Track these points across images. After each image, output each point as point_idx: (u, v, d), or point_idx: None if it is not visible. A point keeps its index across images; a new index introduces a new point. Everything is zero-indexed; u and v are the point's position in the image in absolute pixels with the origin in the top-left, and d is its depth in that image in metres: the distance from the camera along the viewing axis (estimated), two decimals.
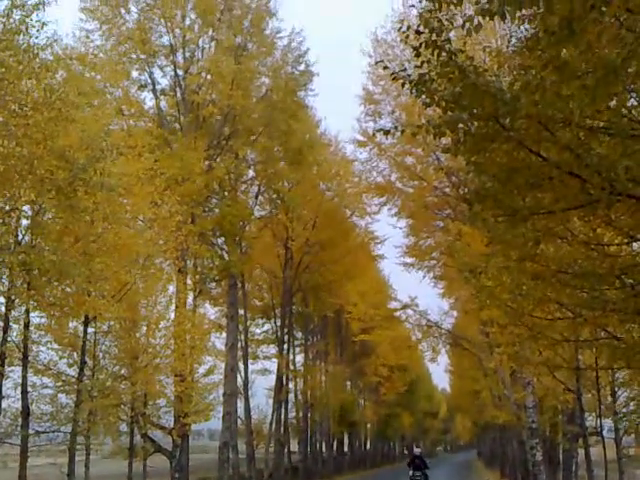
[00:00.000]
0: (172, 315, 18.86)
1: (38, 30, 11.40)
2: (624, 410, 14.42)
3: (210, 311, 30.52)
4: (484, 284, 11.44)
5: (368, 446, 56.45)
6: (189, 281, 22.00)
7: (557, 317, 11.67)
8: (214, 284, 29.88)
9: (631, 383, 13.87)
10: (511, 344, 12.67)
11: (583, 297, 9.77)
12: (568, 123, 5.77)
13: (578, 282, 9.30)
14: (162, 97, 24.81)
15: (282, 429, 30.61)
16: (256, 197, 30.38)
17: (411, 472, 26.99)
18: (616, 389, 14.25)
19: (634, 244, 9.37)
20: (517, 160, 6.51)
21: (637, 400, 13.98)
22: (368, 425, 52.94)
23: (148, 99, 24.47)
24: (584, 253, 9.17)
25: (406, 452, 76.14)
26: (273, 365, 34.21)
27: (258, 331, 38.92)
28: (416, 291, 58.09)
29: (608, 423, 15.47)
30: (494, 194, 7.27)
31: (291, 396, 34.46)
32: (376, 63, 21.40)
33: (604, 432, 15.68)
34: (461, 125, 6.35)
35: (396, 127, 7.33)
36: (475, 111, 6.18)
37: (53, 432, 14.49)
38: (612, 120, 5.96)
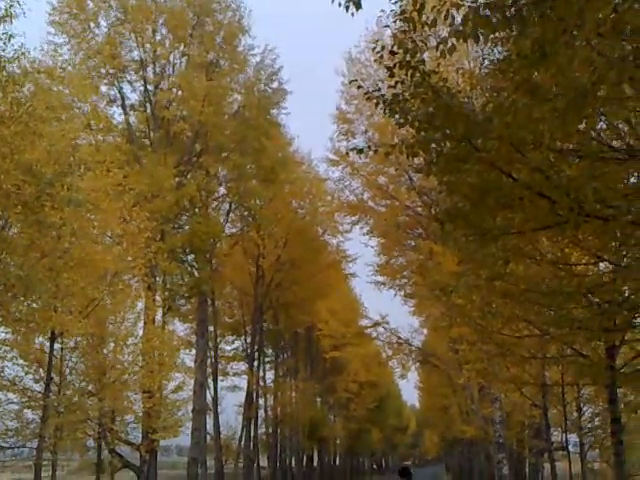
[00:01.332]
0: (140, 331, 18.68)
1: (5, 42, 11.25)
2: (589, 425, 14.62)
3: (179, 328, 30.21)
4: (454, 302, 11.57)
5: (338, 461, 56.23)
6: (158, 298, 21.79)
7: (525, 335, 11.84)
8: (184, 301, 29.59)
9: (596, 399, 14.10)
10: (480, 361, 12.79)
11: (551, 315, 9.93)
12: (539, 145, 5.85)
13: (546, 301, 9.45)
14: (132, 112, 24.63)
15: (251, 445, 30.35)
16: (227, 214, 30.26)
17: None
18: (581, 405, 14.44)
19: (600, 264, 9.54)
20: (488, 181, 6.58)
21: (602, 416, 14.19)
22: (338, 440, 52.77)
23: (117, 114, 24.23)
24: (552, 272, 9.33)
25: (375, 467, 76.29)
26: (243, 382, 34.00)
27: (228, 348, 38.67)
28: (387, 309, 58.20)
29: (573, 438, 15.65)
30: (465, 214, 7.35)
31: (261, 412, 34.25)
32: (350, 82, 21.52)
33: (569, 447, 15.88)
34: (434, 145, 6.42)
35: (369, 146, 7.38)
36: (448, 132, 6.25)
37: (18, 447, 14.22)
38: (582, 143, 6.08)
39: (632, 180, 6.87)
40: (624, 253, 8.17)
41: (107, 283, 15.58)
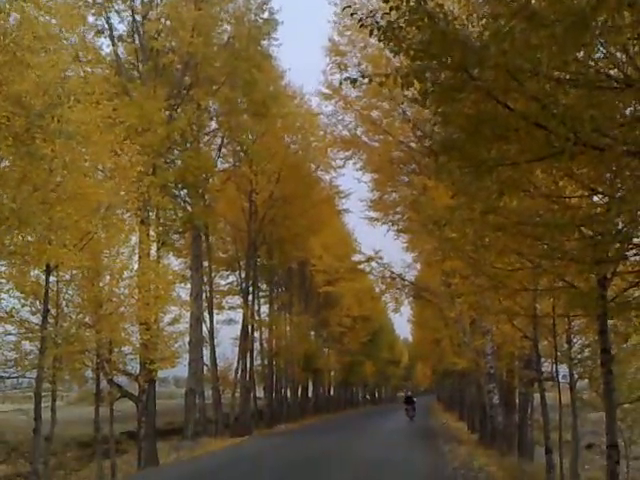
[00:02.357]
0: (135, 265, 18.82)
1: None
2: (579, 357, 14.87)
3: (174, 263, 30.46)
4: (447, 236, 11.60)
5: (332, 392, 57.66)
6: (152, 232, 21.83)
7: (517, 268, 11.93)
8: (177, 236, 29.74)
9: (586, 331, 14.31)
10: (472, 294, 12.94)
11: (543, 248, 9.97)
12: (536, 74, 5.78)
13: (539, 233, 9.47)
14: (120, 43, 24.09)
15: (248, 376, 31.08)
16: (219, 149, 30.03)
17: (405, 407, 41.80)
18: (572, 336, 14.65)
19: (594, 197, 9.53)
20: (484, 111, 6.51)
21: (591, 347, 14.45)
22: (332, 372, 53.96)
23: (105, 45, 23.71)
24: (546, 205, 9.31)
25: (368, 398, 78.46)
26: (238, 315, 34.48)
27: (223, 282, 39.09)
28: (380, 245, 58.60)
29: (563, 369, 15.97)
30: (460, 145, 7.30)
31: (256, 345, 34.96)
32: (343, 9, 21.02)
33: (559, 377, 16.20)
34: (429, 74, 6.31)
35: (363, 76, 7.25)
36: (444, 60, 6.14)
37: (18, 378, 14.49)
38: (579, 71, 5.99)
39: (628, 110, 6.80)
40: (618, 185, 8.16)
41: (100, 217, 15.56)
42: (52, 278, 14.70)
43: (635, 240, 8.85)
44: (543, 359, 20.80)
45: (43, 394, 14.66)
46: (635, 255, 9.57)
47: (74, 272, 15.76)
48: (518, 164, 7.15)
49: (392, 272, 29.81)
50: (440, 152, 7.73)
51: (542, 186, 9.18)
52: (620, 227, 9.02)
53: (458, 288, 15.04)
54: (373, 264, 30.56)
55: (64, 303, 15.90)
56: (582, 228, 9.43)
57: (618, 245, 9.18)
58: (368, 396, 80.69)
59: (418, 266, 40.09)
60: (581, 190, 9.29)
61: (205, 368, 28.79)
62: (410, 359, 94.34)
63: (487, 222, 9.46)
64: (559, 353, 14.37)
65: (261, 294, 39.46)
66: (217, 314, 34.63)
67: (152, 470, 18.21)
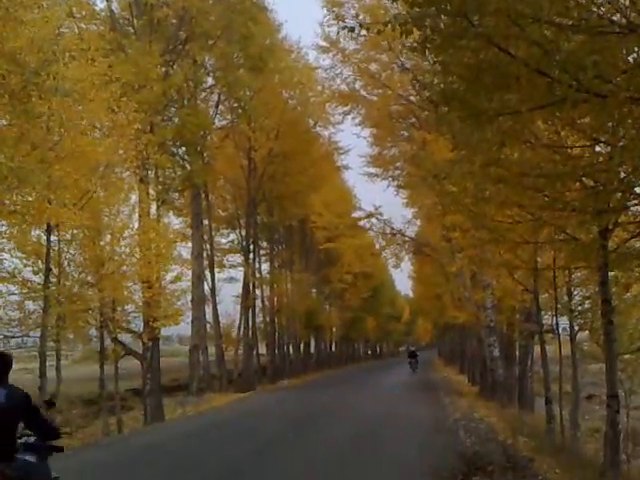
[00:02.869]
0: (136, 224, 18.83)
1: None
2: (579, 308, 14.92)
3: (174, 221, 30.43)
4: (448, 190, 11.53)
5: (334, 348, 58.29)
6: (151, 191, 21.75)
7: (518, 220, 11.91)
8: (177, 194, 29.63)
9: (587, 283, 14.32)
10: (473, 247, 12.96)
11: (544, 200, 9.91)
12: (537, 19, 5.66)
13: (540, 184, 9.40)
14: None
15: (250, 333, 31.37)
16: (216, 106, 29.68)
17: (408, 360, 46.38)
18: (572, 288, 14.67)
19: (596, 146, 9.43)
20: (485, 59, 6.40)
21: (592, 299, 14.50)
22: (333, 328, 54.45)
23: (99, 1, 23.20)
24: (547, 156, 9.21)
25: (370, 353, 79.50)
26: (239, 274, 34.64)
27: (224, 241, 39.16)
28: (380, 200, 58.47)
29: (563, 321, 16.06)
30: (461, 95, 7.19)
31: (258, 302, 35.16)
32: None
33: (559, 330, 16.29)
34: (428, 21, 6.19)
35: (361, 25, 7.12)
36: (443, 6, 6.01)
37: (22, 337, 14.61)
38: (581, 17, 5.87)
39: (631, 56, 6.69)
40: (621, 133, 8.08)
41: (99, 175, 15.51)
42: (53, 238, 14.72)
43: (637, 190, 8.79)
44: (543, 312, 20.97)
45: (47, 353, 14.86)
46: (636, 205, 9.51)
47: (75, 231, 15.77)
48: (520, 113, 7.03)
49: (392, 228, 29.90)
50: (440, 102, 7.63)
51: (543, 137, 9.08)
52: (622, 177, 8.98)
53: (459, 242, 15.05)
54: (373, 220, 30.64)
55: (66, 262, 15.95)
56: (583, 178, 9.38)
57: (620, 195, 9.13)
58: (370, 351, 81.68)
59: (418, 222, 40.09)
60: (583, 140, 9.19)
61: (208, 326, 29.07)
62: (411, 314, 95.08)
63: (488, 174, 9.39)
64: (559, 305, 14.43)
65: (262, 252, 39.53)
66: (218, 272, 34.85)
67: (159, 425, 18.49)
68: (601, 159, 9.06)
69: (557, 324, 14.21)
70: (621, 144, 8.20)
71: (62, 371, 15.85)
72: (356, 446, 12.32)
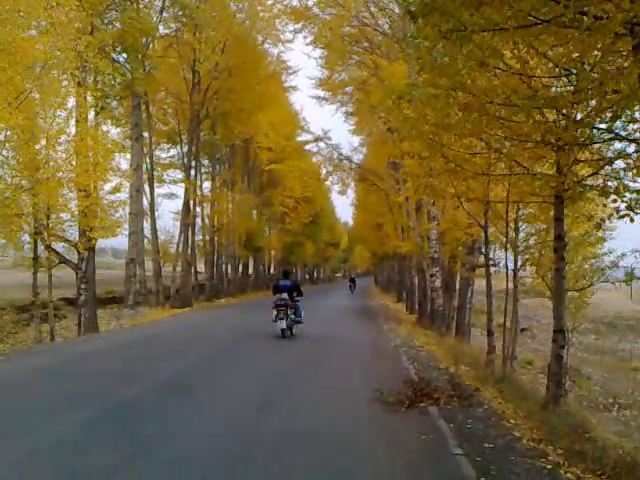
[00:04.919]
0: (73, 130, 17.87)
1: None
2: (524, 244, 15.08)
3: (113, 132, 29.04)
4: (407, 115, 11.21)
5: (272, 270, 58.41)
6: (89, 98, 20.55)
7: (475, 152, 11.76)
8: (116, 103, 28.17)
9: (533, 219, 14.41)
10: (428, 176, 12.73)
11: (506, 130, 9.73)
12: None
13: (504, 114, 9.19)
14: None
15: (189, 250, 30.84)
16: (160, 12, 27.97)
17: (348, 284, 55.54)
18: (519, 224, 14.76)
19: (564, 78, 9.21)
20: None
21: (538, 235, 14.67)
22: (272, 252, 54.44)
23: None
24: (514, 85, 8.96)
25: (308, 278, 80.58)
26: (179, 190, 33.84)
27: (164, 155, 38.13)
28: (328, 127, 58.08)
29: (503, 257, 16.27)
30: (442, 7, 6.79)
31: (198, 220, 34.51)
32: None
33: (507, 264, 16.47)
34: None
35: None
36: None
37: None
38: None
39: None
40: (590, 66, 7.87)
41: (36, 75, 14.41)
42: None
43: (599, 126, 8.65)
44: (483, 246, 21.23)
45: None
46: (597, 142, 9.39)
47: (8, 133, 14.76)
48: (505, 31, 6.70)
49: (340, 154, 29.48)
50: (418, 14, 7.20)
51: (512, 64, 8.79)
52: (585, 113, 8.84)
53: (412, 170, 14.79)
54: (321, 144, 30.18)
55: None
56: (546, 111, 9.25)
57: (579, 131, 9.00)
58: (307, 276, 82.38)
59: (364, 150, 39.99)
60: (551, 70, 8.98)
61: (146, 240, 28.41)
62: (349, 242, 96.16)
63: (453, 99, 9.10)
64: (505, 239, 14.53)
65: (203, 170, 38.57)
66: (158, 187, 33.92)
67: (94, 336, 18.11)
68: (570, 89, 8.87)
69: (506, 258, 14.21)
70: (592, 77, 7.98)
71: None
72: (298, 368, 12.26)
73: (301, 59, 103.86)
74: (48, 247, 18.21)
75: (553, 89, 9.25)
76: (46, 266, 18.31)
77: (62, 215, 18.05)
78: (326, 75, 32.71)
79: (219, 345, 15.33)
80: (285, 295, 16.76)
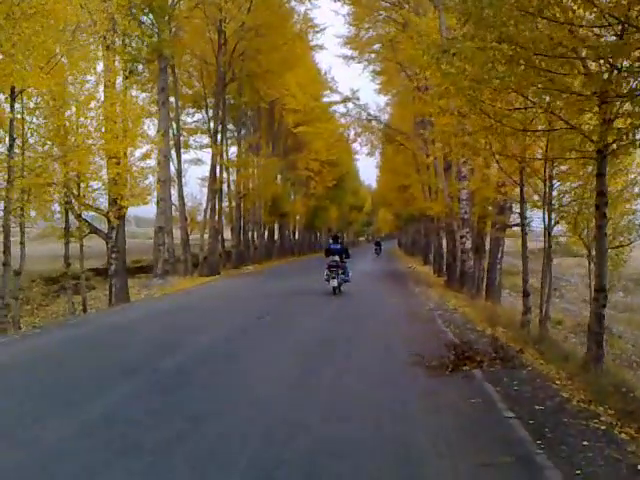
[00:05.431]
0: (102, 96, 17.72)
1: None
2: (558, 203, 14.75)
3: (140, 97, 28.89)
4: (447, 71, 10.93)
5: (297, 236, 58.44)
6: (117, 64, 20.37)
7: (516, 107, 11.46)
8: (142, 67, 27.97)
9: (568, 177, 14.12)
10: (467, 134, 12.45)
11: (548, 83, 9.45)
12: None
13: (551, 64, 8.93)
14: None
15: (217, 217, 30.79)
16: None
17: (374, 247, 58.62)
18: (553, 182, 14.42)
19: (611, 28, 8.89)
20: None
21: (574, 192, 14.36)
22: (297, 217, 54.35)
23: None
24: (561, 36, 8.68)
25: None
26: (205, 155, 33.90)
27: (189, 120, 37.79)
28: (355, 88, 57.46)
29: (538, 216, 15.96)
30: None
31: (224, 186, 34.34)
32: None
33: (533, 223, 16.23)
34: None
35: None
36: None
37: None
38: None
39: None
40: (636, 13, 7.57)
41: (67, 38, 14.19)
42: (17, 106, 13.66)
43: None
44: (514, 205, 20.87)
45: (12, 226, 14.22)
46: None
47: (39, 100, 14.69)
48: None
49: (369, 114, 29.04)
50: None
51: (559, 13, 8.51)
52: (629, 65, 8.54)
53: (449, 128, 14.47)
54: (349, 105, 29.68)
55: (29, 133, 14.95)
56: (588, 62, 9.00)
57: (625, 82, 8.71)
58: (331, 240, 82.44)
59: (389, 110, 39.44)
60: (601, 20, 8.66)
61: (173, 208, 28.40)
62: (373, 205, 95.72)
63: (499, 52, 8.83)
64: (537, 198, 14.24)
65: (228, 135, 38.33)
66: (184, 153, 33.77)
67: (126, 306, 18.17)
68: (615, 40, 8.56)
69: (544, 217, 13.80)
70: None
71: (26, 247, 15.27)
72: (336, 332, 12.21)
73: (329, 16, 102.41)
74: (79, 217, 18.17)
75: (601, 39, 8.97)
76: (77, 236, 18.24)
77: (92, 184, 17.96)
78: (353, 33, 32.12)
79: (261, 310, 14.88)
80: (336, 257, 18.95)
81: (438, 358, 8.93)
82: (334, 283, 18.51)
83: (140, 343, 10.72)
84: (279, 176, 45.57)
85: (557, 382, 8.13)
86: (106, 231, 20.17)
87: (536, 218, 16.37)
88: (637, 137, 9.42)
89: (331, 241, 20.83)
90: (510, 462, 5.23)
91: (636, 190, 14.75)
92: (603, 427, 6.21)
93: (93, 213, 19.83)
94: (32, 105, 14.73)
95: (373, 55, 33.00)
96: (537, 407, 6.86)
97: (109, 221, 19.69)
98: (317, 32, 37.46)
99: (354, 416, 6.51)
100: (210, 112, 33.47)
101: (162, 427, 6.03)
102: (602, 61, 8.90)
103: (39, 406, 6.80)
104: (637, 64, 8.42)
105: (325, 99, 39.28)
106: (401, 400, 7.15)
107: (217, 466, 5.09)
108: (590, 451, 5.53)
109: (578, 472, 5.07)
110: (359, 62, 33.27)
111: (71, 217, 18.36)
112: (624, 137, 9.00)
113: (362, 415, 6.54)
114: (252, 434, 5.83)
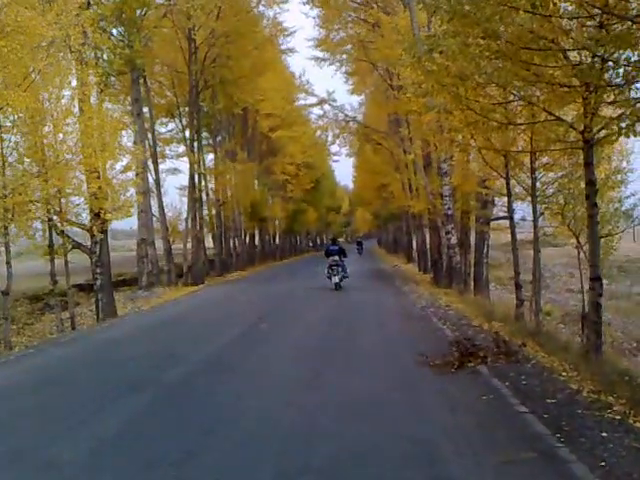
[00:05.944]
0: (78, 111, 17.46)
1: None
2: (542, 194, 14.83)
3: (114, 109, 28.54)
4: (430, 69, 10.96)
5: (277, 240, 58.27)
6: (91, 77, 20.09)
7: (500, 102, 11.51)
8: (114, 79, 27.67)
9: (553, 168, 14.21)
10: (453, 131, 12.48)
11: (532, 76, 9.52)
12: None
13: (536, 58, 9.00)
14: None
15: (198, 226, 30.56)
16: None
17: (356, 247, 59.12)
18: (537, 174, 14.49)
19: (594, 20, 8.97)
20: None
21: (559, 183, 14.46)
22: (277, 221, 54.20)
23: None
24: (543, 29, 8.75)
25: (311, 245, 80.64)
26: (182, 165, 33.44)
27: (163, 130, 37.47)
28: (329, 90, 57.58)
29: (522, 207, 16.05)
30: None
31: (203, 195, 34.07)
32: None
33: (518, 216, 16.31)
34: None
35: None
36: None
37: None
38: None
39: None
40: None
41: (43, 54, 13.94)
42: None
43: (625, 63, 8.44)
44: (497, 199, 20.99)
45: None
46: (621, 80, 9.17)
47: (15, 118, 14.41)
48: None
49: (346, 115, 29.06)
50: None
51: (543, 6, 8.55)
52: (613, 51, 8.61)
53: (431, 126, 14.50)
54: (326, 107, 29.67)
55: (9, 152, 14.66)
56: (573, 54, 9.10)
57: (611, 70, 8.79)
58: (311, 243, 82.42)
59: (363, 109, 39.54)
60: (578, 9, 8.74)
61: (154, 219, 28.11)
62: (350, 205, 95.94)
63: (486, 48, 8.87)
64: (528, 189, 14.30)
65: (203, 142, 38.03)
66: (161, 163, 33.44)
67: (114, 321, 17.88)
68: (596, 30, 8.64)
69: (534, 209, 13.82)
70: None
71: None
72: (334, 333, 12.16)
73: (299, 19, 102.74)
74: (62, 233, 17.92)
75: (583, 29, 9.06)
76: (61, 252, 17.97)
77: (74, 199, 17.66)
78: (323, 35, 32.15)
79: (244, 323, 14.55)
80: (337, 257, 21.66)
81: (442, 356, 8.93)
82: (336, 279, 21.22)
83: (139, 358, 10.54)
84: (256, 181, 45.40)
85: (563, 374, 8.16)
86: (89, 246, 19.85)
87: (518, 210, 16.52)
88: (622, 125, 9.53)
89: (330, 243, 23.84)
90: (533, 458, 5.21)
91: (619, 177, 14.90)
92: (618, 417, 6.23)
93: (76, 228, 19.50)
94: (9, 123, 14.43)
95: (345, 56, 33.06)
96: (549, 400, 6.87)
97: (92, 236, 19.37)
98: (287, 35, 37.54)
99: (370, 418, 6.47)
100: (184, 121, 33.24)
101: (180, 439, 5.94)
102: (586, 52, 8.99)
103: (53, 427, 6.63)
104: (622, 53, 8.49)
105: (301, 102, 39.29)
106: (414, 401, 7.11)
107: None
108: (610, 442, 5.55)
109: (602, 464, 5.07)
110: (331, 64, 33.32)
111: (54, 233, 18.06)
112: (611, 126, 9.11)
113: (377, 418, 6.50)
114: (267, 446, 5.75)
